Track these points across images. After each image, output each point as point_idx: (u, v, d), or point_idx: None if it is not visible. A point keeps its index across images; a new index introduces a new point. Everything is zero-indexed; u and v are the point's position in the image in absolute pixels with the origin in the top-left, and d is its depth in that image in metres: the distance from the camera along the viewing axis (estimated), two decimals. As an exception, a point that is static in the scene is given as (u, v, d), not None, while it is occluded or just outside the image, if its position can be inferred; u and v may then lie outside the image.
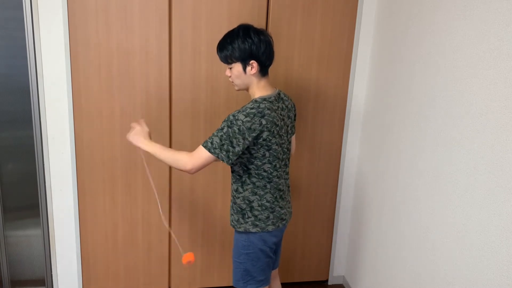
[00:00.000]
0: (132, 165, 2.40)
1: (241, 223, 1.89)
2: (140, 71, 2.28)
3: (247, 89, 1.83)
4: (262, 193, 1.84)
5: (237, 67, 1.76)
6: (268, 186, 1.84)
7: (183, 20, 2.26)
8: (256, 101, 1.75)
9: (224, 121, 1.70)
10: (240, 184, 1.85)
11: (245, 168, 1.81)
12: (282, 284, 2.79)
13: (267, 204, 1.86)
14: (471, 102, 1.62)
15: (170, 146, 2.41)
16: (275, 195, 1.87)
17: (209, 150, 1.68)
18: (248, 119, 1.68)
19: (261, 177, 1.82)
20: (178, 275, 2.63)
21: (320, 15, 2.38)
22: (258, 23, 2.32)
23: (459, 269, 1.67)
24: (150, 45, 2.26)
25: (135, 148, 1.85)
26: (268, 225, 1.88)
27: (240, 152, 1.71)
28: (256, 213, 1.86)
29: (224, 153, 1.68)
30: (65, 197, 2.39)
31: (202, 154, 1.70)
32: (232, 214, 1.93)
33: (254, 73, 1.76)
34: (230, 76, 1.81)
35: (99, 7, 2.17)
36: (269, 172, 1.82)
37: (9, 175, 2.38)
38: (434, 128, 1.86)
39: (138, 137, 1.83)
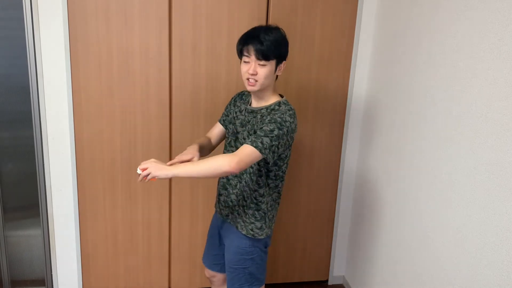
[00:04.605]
0: (132, 165, 2.40)
1: (263, 229, 1.86)
2: (140, 71, 2.28)
3: (260, 90, 1.76)
4: (272, 193, 1.85)
5: (271, 66, 1.70)
6: (280, 185, 1.85)
7: (183, 20, 2.26)
8: (285, 103, 1.76)
9: (271, 122, 1.66)
10: (262, 189, 1.81)
11: (266, 170, 1.80)
12: (282, 284, 2.81)
13: (275, 204, 1.89)
14: (471, 102, 1.62)
15: (170, 146, 2.41)
16: (280, 194, 1.90)
17: (260, 150, 1.63)
18: (292, 120, 1.70)
19: (277, 177, 1.82)
20: (178, 275, 2.63)
21: (320, 15, 2.38)
22: (258, 23, 2.32)
23: (459, 269, 1.68)
24: (150, 45, 2.25)
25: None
26: (273, 223, 1.91)
27: (280, 153, 1.71)
28: (269, 215, 1.87)
29: (271, 154, 1.66)
30: (65, 197, 2.39)
31: (249, 153, 1.62)
32: (253, 222, 1.83)
33: (278, 74, 1.76)
34: (255, 74, 1.68)
35: (99, 7, 2.17)
36: (284, 171, 1.83)
37: (9, 175, 2.38)
38: (434, 128, 1.86)
39: (161, 167, 1.61)
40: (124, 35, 2.22)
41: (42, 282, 2.54)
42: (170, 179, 2.46)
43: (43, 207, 2.40)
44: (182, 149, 2.41)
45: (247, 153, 1.62)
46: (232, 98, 1.99)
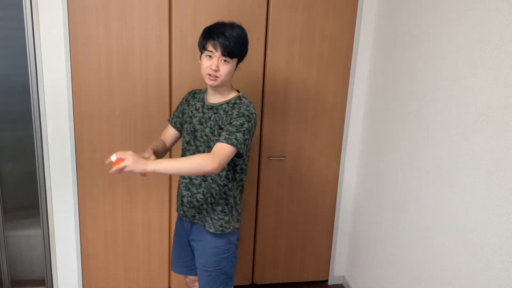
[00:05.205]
0: (132, 165, 2.40)
1: (230, 222, 1.86)
2: (140, 70, 2.28)
3: (219, 86, 1.76)
4: (238, 187, 1.87)
5: (233, 63, 1.72)
6: (244, 178, 1.88)
7: (183, 19, 2.26)
8: (244, 96, 1.80)
9: (239, 116, 1.69)
10: (231, 183, 1.83)
11: (233, 165, 1.81)
12: (282, 284, 2.80)
13: (241, 198, 1.93)
14: (471, 102, 1.62)
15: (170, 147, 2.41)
16: (243, 187, 1.93)
17: (236, 146, 1.64)
18: (255, 112, 1.76)
19: (243, 171, 1.85)
20: (178, 275, 2.63)
21: (320, 15, 2.38)
22: (258, 23, 2.33)
23: (459, 269, 1.67)
24: (150, 45, 2.25)
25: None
26: (241, 217, 1.94)
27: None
28: (238, 208, 1.89)
29: (246, 147, 1.69)
30: (65, 197, 2.39)
31: (227, 151, 1.63)
32: (222, 218, 1.83)
33: (237, 71, 1.78)
34: (217, 71, 1.68)
35: (99, 7, 2.17)
36: (246, 164, 1.86)
37: (9, 175, 2.38)
38: (434, 128, 1.86)
39: (140, 161, 1.54)
40: (124, 35, 2.22)
41: (42, 282, 2.54)
42: (171, 180, 2.46)
43: (43, 207, 2.40)
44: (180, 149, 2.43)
45: (225, 152, 1.63)
46: (183, 98, 1.96)
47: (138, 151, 2.34)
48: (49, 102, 2.25)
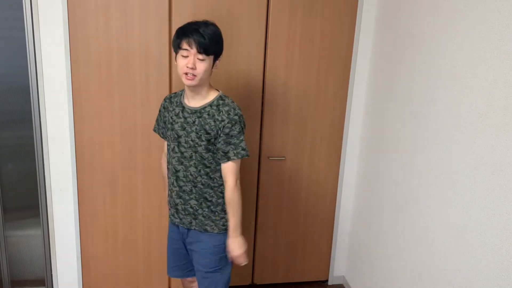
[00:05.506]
0: (132, 165, 2.40)
1: (225, 223, 1.86)
2: (140, 71, 2.28)
3: (197, 85, 1.72)
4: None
5: (210, 61, 1.69)
6: None
7: (183, 19, 2.25)
8: (226, 96, 1.79)
9: (233, 124, 1.70)
10: (223, 184, 1.82)
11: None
12: (282, 284, 2.80)
13: None
14: (471, 102, 1.62)
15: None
16: None
17: (247, 155, 1.75)
18: (240, 109, 1.78)
19: None
20: (178, 275, 2.63)
21: (320, 15, 2.38)
22: (258, 23, 2.33)
23: (459, 269, 1.67)
24: (150, 45, 2.25)
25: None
26: None
27: None
28: (225, 207, 1.88)
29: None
30: (65, 197, 2.39)
31: (237, 166, 1.76)
32: (223, 217, 1.84)
33: (214, 70, 1.76)
34: (194, 69, 1.65)
35: (99, 7, 2.17)
36: None
37: (9, 175, 2.38)
38: (434, 128, 1.86)
39: (236, 243, 1.81)
40: (124, 35, 2.22)
41: (42, 282, 2.54)
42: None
43: (43, 207, 2.40)
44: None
45: (235, 168, 1.75)
46: (161, 106, 1.93)
47: (138, 150, 2.38)
48: (49, 102, 2.25)
